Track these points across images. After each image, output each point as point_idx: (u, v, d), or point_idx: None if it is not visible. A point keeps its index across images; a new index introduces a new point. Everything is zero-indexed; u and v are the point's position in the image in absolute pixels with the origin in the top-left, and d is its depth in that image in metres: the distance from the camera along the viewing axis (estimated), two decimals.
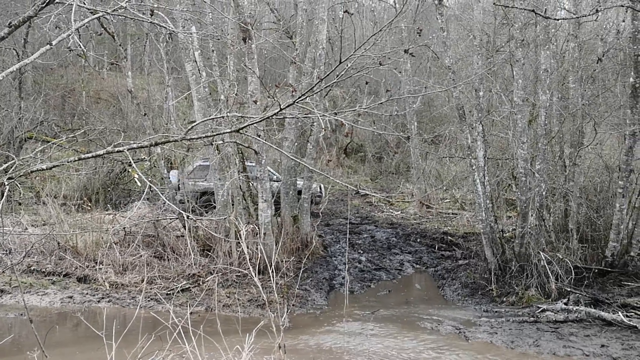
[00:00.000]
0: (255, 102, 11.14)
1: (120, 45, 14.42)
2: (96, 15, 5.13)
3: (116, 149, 4.60)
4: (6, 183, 4.45)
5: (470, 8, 15.30)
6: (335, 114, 5.73)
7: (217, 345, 4.84)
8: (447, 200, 20.36)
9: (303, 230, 13.25)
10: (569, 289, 10.16)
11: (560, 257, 10.58)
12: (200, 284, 10.71)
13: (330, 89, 16.14)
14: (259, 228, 11.68)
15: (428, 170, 21.65)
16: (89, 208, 13.47)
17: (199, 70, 12.35)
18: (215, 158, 12.34)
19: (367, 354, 7.97)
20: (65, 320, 9.37)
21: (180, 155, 16.62)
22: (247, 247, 11.03)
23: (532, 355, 8.02)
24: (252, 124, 5.39)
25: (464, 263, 13.02)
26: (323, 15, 12.99)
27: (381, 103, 5.37)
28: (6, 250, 11.36)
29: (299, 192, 13.90)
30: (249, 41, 11.31)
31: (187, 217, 5.14)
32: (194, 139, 4.83)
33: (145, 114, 13.47)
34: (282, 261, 11.11)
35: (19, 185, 5.10)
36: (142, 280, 10.47)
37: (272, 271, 4.72)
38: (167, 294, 10.19)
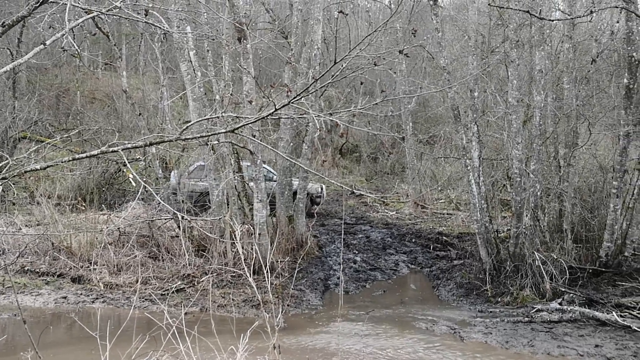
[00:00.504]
0: (250, 102, 11.13)
1: (115, 45, 14.39)
2: (90, 15, 5.12)
3: (110, 149, 4.59)
4: (0, 183, 4.43)
5: (465, 9, 15.32)
6: (331, 114, 5.72)
7: (212, 346, 4.83)
8: (442, 201, 20.39)
9: (298, 231, 13.24)
10: (563, 289, 10.19)
11: (555, 257, 10.60)
12: (195, 284, 10.69)
13: (325, 90, 16.13)
14: (254, 228, 11.66)
15: (423, 171, 21.70)
16: (84, 208, 13.43)
17: (194, 70, 12.33)
18: (211, 158, 12.32)
19: (362, 354, 7.97)
20: (59, 320, 9.34)
21: (176, 155, 16.59)
22: (242, 248, 11.00)
23: (527, 355, 8.03)
24: (247, 124, 5.38)
25: (458, 263, 13.04)
26: (318, 16, 12.99)
27: (376, 103, 5.37)
28: (0, 251, 11.32)
29: (295, 193, 13.91)
30: (244, 41, 11.30)
31: (182, 217, 5.12)
32: (188, 139, 4.82)
33: (140, 114, 13.45)
34: (277, 261, 11.10)
35: (12, 185, 5.08)
36: (137, 281, 10.44)
37: (267, 271, 4.71)
38: (161, 295, 10.16)
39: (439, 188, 21.22)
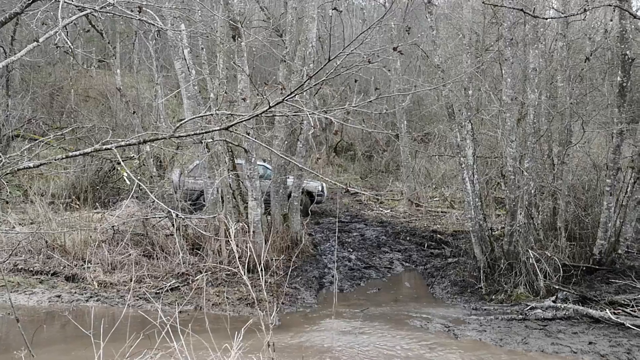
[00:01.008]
0: (244, 100, 11.10)
1: (109, 42, 14.34)
2: (83, 13, 5.10)
3: (104, 147, 4.57)
4: None
5: (459, 7, 15.34)
6: (325, 112, 5.72)
7: (206, 344, 4.82)
8: (437, 199, 20.42)
9: (293, 229, 13.23)
10: (557, 287, 10.23)
11: (549, 255, 10.64)
12: (190, 282, 10.67)
13: (320, 87, 16.10)
14: (248, 226, 11.65)
15: (417, 169, 21.73)
16: (78, 207, 13.37)
17: (188, 68, 12.30)
18: (205, 156, 12.29)
19: (357, 352, 7.98)
20: (53, 319, 9.30)
21: (170, 153, 16.54)
22: (237, 246, 11.00)
23: (521, 353, 8.06)
24: (241, 121, 5.38)
25: (453, 261, 13.07)
26: (313, 14, 12.97)
27: (370, 101, 5.37)
28: None
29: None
30: (239, 39, 11.28)
31: (176, 215, 5.11)
32: (182, 136, 4.81)
33: (134, 112, 13.40)
34: (271, 260, 11.09)
35: (5, 183, 5.06)
36: (131, 279, 10.41)
37: (261, 269, 4.71)
38: (156, 293, 10.14)
39: (434, 186, 21.25)
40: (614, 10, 10.78)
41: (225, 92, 12.60)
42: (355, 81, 18.90)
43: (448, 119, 12.11)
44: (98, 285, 10.45)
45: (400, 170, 22.55)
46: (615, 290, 10.21)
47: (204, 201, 13.02)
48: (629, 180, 11.11)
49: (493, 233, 12.25)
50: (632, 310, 9.11)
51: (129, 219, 12.40)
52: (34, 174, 16.52)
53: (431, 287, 12.14)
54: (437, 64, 11.93)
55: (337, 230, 13.82)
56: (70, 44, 4.90)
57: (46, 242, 11.51)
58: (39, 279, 10.68)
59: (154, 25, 6.24)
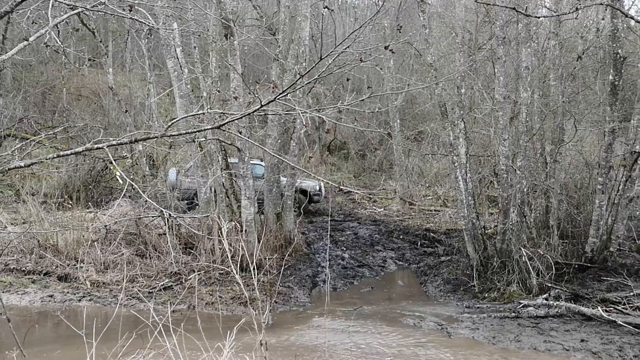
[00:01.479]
0: (235, 98, 11.08)
1: (101, 41, 14.28)
2: (75, 12, 5.07)
3: (95, 146, 4.55)
4: None
5: (452, 6, 15.35)
6: (317, 110, 5.72)
7: (198, 343, 4.82)
8: (430, 197, 20.46)
9: (286, 228, 13.22)
10: (549, 285, 10.26)
11: (541, 253, 10.67)
12: (183, 282, 10.65)
13: (313, 86, 16.09)
14: (241, 225, 11.64)
15: (411, 167, 21.75)
16: (70, 206, 13.32)
17: (180, 66, 12.27)
18: (198, 155, 12.27)
19: (350, 351, 7.98)
20: (45, 319, 9.27)
21: (163, 152, 16.50)
22: (230, 245, 10.99)
23: (514, 351, 8.08)
24: (233, 120, 5.37)
25: (446, 259, 13.10)
26: (306, 12, 12.96)
27: (362, 100, 5.37)
28: None
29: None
30: (231, 38, 11.25)
31: (169, 215, 5.10)
32: (174, 135, 4.79)
33: (126, 111, 13.36)
34: (265, 258, 11.08)
35: None
36: (124, 279, 10.38)
37: (254, 268, 4.70)
38: (148, 293, 10.12)
39: (427, 184, 21.28)
40: (606, 9, 10.84)
41: (218, 91, 12.58)
42: (348, 80, 18.90)
43: (441, 117, 12.13)
44: (91, 285, 10.41)
45: (394, 168, 22.57)
46: (607, 288, 10.26)
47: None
48: (621, 178, 11.16)
49: (486, 231, 12.28)
50: (623, 308, 9.16)
51: (122, 218, 12.36)
52: (26, 174, 16.44)
53: (424, 286, 12.16)
54: (430, 62, 11.94)
55: (329, 228, 13.82)
56: (60, 44, 4.87)
57: (38, 241, 11.45)
58: (32, 278, 10.63)
59: (146, 23, 6.22)
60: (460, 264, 12.23)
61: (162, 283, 10.49)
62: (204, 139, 11.88)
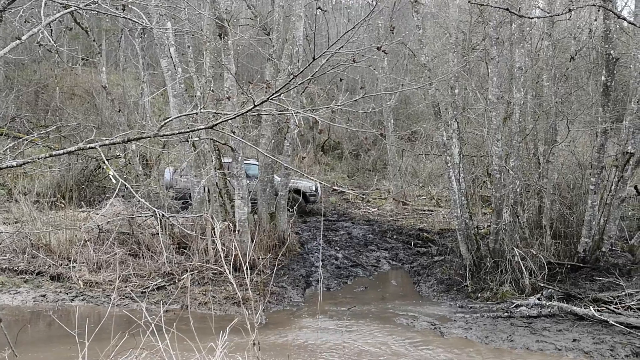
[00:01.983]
0: (228, 98, 11.07)
1: (94, 40, 14.24)
2: (67, 10, 5.05)
3: (88, 146, 4.54)
4: None
5: (446, 6, 15.39)
6: (311, 111, 5.72)
7: (191, 343, 4.81)
8: (423, 197, 20.49)
9: (280, 228, 13.22)
10: (542, 285, 10.30)
11: (534, 253, 10.71)
12: (176, 282, 10.63)
13: (306, 86, 16.09)
14: (235, 225, 11.63)
15: (404, 168, 21.78)
16: (63, 205, 13.27)
17: (174, 66, 12.25)
18: (191, 155, 12.25)
19: (343, 350, 7.99)
20: (38, 319, 9.24)
21: (156, 152, 16.47)
22: (223, 245, 10.98)
23: (506, 350, 8.12)
24: (226, 120, 5.36)
25: (439, 259, 13.12)
26: (300, 12, 12.96)
27: (356, 100, 5.38)
28: None
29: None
30: (225, 37, 11.24)
31: (162, 215, 5.09)
32: (167, 135, 4.78)
33: (119, 110, 13.33)
34: (258, 258, 11.08)
35: None
36: (117, 279, 10.35)
37: (247, 268, 4.70)
38: (141, 292, 10.10)
39: (420, 185, 21.32)
40: (599, 10, 10.87)
41: (212, 91, 12.56)
42: (341, 80, 18.90)
43: (434, 117, 12.15)
44: (83, 285, 10.38)
45: (387, 168, 22.60)
46: (599, 288, 10.30)
47: None
48: (613, 178, 11.20)
49: (479, 231, 12.31)
50: (615, 308, 9.21)
51: (115, 218, 12.33)
52: (18, 173, 16.35)
53: (417, 285, 12.18)
54: (423, 62, 11.96)
55: (322, 228, 13.83)
56: (53, 42, 4.86)
57: (31, 241, 11.41)
58: (24, 278, 10.59)
59: (139, 23, 6.21)
60: (453, 263, 12.26)
61: (155, 283, 10.46)
62: (198, 138, 11.86)
